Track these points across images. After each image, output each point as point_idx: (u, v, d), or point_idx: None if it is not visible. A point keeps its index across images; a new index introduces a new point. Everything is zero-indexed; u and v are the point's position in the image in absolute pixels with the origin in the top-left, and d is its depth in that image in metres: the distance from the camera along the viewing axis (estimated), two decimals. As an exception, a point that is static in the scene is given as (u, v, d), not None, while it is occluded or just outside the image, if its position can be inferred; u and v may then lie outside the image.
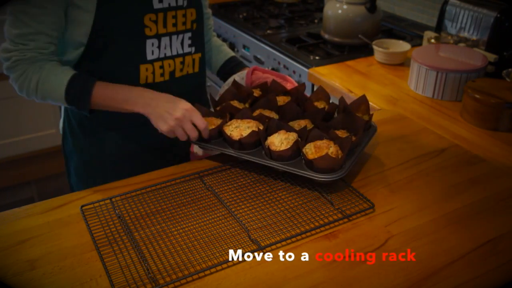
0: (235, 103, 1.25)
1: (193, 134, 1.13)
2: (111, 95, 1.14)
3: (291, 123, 1.19)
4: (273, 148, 1.10)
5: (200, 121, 1.13)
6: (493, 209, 1.06)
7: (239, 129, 1.14)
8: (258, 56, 2.28)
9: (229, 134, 1.13)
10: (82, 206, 1.02)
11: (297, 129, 1.15)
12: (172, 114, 1.11)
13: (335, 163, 1.06)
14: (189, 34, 1.25)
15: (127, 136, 1.27)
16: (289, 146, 1.08)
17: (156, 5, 1.16)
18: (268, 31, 2.35)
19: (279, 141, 1.10)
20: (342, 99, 1.24)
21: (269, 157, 1.11)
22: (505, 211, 1.05)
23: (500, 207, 1.06)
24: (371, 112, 1.26)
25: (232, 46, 2.48)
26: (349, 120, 1.18)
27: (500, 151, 1.35)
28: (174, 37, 1.22)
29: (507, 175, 1.18)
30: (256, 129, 1.13)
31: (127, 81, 1.19)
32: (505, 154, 1.33)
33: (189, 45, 1.26)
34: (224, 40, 2.53)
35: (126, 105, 1.14)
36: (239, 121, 1.17)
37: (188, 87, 1.31)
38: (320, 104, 1.27)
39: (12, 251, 0.92)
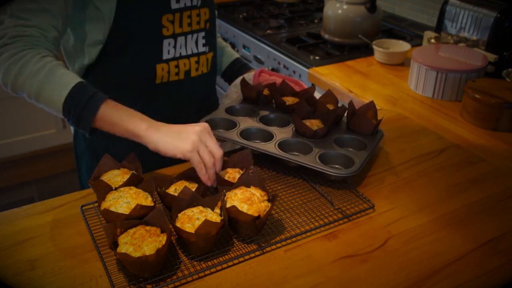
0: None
1: (211, 159, 0.99)
2: (115, 119, 1.01)
3: (303, 121, 1.20)
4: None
5: (215, 147, 1.00)
6: (493, 209, 1.06)
7: None
8: (258, 56, 2.28)
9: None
10: (82, 206, 1.02)
11: (309, 127, 1.17)
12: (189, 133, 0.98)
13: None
14: (203, 34, 1.26)
15: None
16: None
17: (174, 5, 1.17)
18: (268, 31, 2.35)
19: None
20: (351, 103, 1.25)
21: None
22: (505, 211, 1.05)
23: (500, 207, 1.06)
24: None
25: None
26: (360, 122, 1.20)
27: (500, 151, 1.35)
28: (189, 37, 1.23)
29: (507, 175, 1.18)
30: None
31: (144, 80, 1.21)
32: (505, 154, 1.33)
33: (203, 45, 1.27)
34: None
35: (130, 125, 1.02)
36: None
37: (201, 87, 1.32)
38: (329, 107, 1.28)
39: (12, 251, 0.92)
